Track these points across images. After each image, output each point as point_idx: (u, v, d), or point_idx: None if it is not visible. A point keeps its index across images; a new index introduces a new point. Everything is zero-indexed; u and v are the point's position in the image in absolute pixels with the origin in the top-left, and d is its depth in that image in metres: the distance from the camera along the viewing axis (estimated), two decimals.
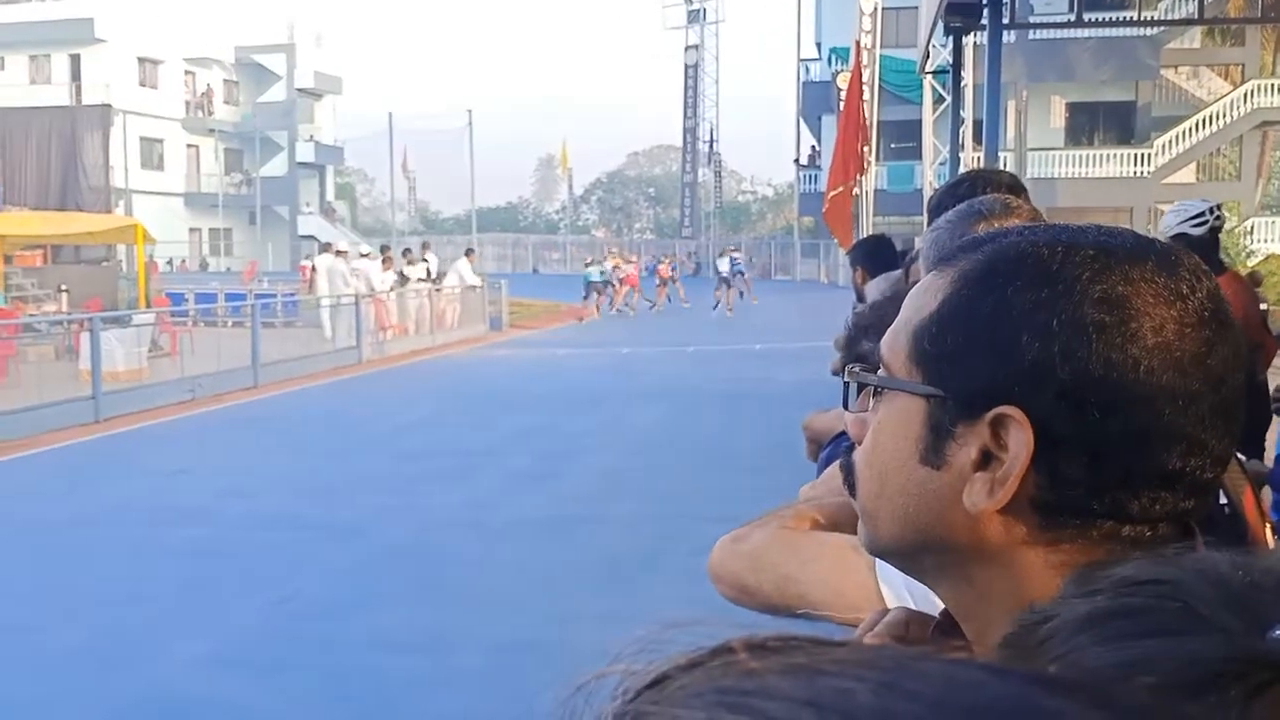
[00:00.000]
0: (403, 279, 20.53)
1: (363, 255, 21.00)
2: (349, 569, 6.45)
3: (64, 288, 17.53)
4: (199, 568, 6.47)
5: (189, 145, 49.25)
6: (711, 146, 54.38)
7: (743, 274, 29.41)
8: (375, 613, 5.64)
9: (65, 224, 18.37)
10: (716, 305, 27.29)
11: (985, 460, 0.68)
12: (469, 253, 23.74)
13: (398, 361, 17.52)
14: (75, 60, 45.32)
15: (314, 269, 21.62)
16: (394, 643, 5.20)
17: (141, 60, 46.60)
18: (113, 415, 11.65)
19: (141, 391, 12.58)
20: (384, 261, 20.23)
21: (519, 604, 5.78)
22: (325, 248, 22.40)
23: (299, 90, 50.86)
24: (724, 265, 27.69)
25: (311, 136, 52.05)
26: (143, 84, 46.66)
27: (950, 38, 11.52)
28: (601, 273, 27.46)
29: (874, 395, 0.75)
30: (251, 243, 47.17)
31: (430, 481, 8.76)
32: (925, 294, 0.72)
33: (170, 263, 39.24)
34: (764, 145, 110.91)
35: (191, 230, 47.80)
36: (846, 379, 0.80)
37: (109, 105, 26.58)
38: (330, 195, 55.55)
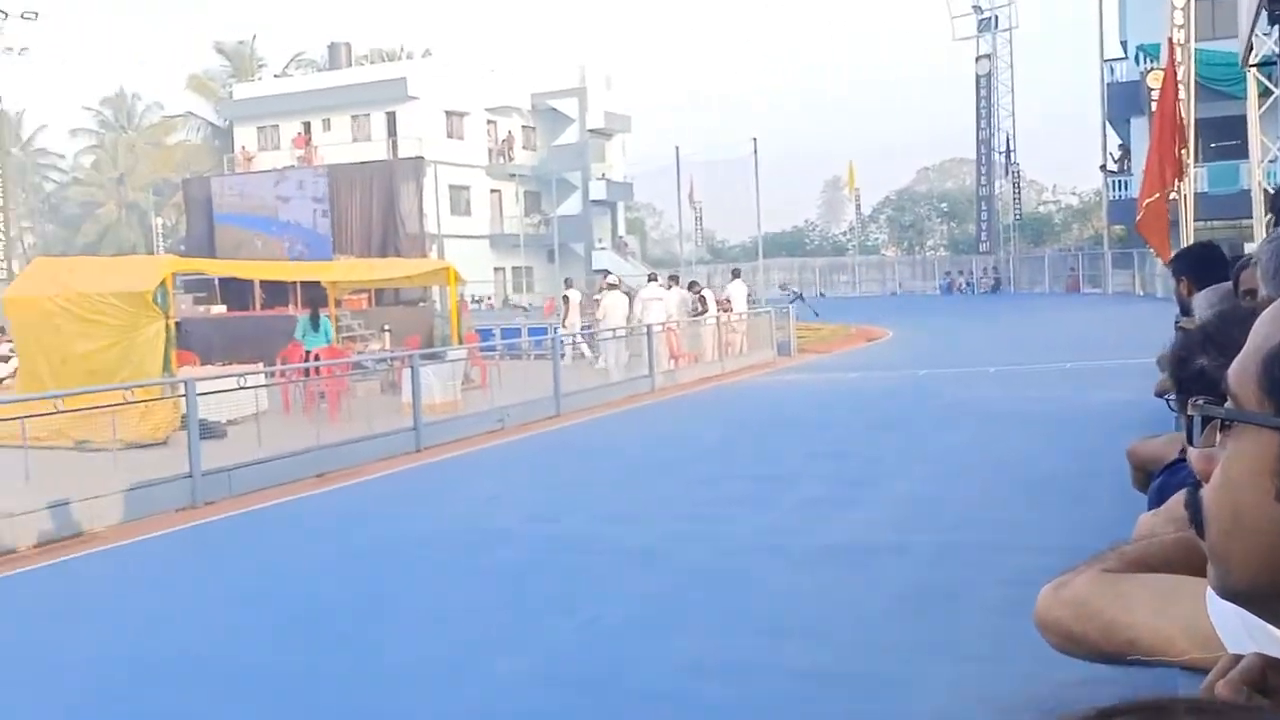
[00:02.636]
0: (701, 303, 20.88)
1: (653, 283, 21.46)
2: (652, 593, 6.54)
3: (386, 327, 19.03)
4: (512, 588, 6.76)
5: (492, 190, 52.48)
6: (1009, 157, 52.12)
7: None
8: (679, 636, 5.69)
9: (387, 269, 19.91)
10: None
11: None
12: (736, 274, 23.77)
13: (688, 389, 17.79)
14: (391, 118, 49.42)
15: (565, 300, 22.41)
16: (699, 667, 5.22)
17: (449, 113, 50.20)
18: (431, 444, 12.47)
19: (456, 422, 13.39)
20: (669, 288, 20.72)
21: (820, 633, 5.66)
22: (582, 279, 23.01)
23: (591, 131, 53.10)
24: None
25: (603, 175, 54.19)
26: (450, 135, 50.21)
27: (1276, 27, 10.52)
28: None
29: (1221, 429, 0.70)
30: (550, 279, 49.50)
31: (726, 507, 8.78)
32: (1277, 320, 0.67)
33: (477, 300, 41.79)
34: (1066, 153, 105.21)
35: (496, 269, 50.80)
36: (1191, 412, 0.75)
37: (422, 157, 28.76)
38: (621, 230, 57.54)
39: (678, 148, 36.11)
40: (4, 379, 20.78)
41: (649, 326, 18.20)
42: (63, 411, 10.00)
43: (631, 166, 57.55)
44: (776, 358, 22.25)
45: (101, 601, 7.21)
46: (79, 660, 5.80)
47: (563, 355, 19.68)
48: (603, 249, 52.50)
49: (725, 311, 21.29)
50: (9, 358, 20.34)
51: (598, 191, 53.04)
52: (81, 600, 7.26)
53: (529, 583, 6.86)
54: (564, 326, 21.94)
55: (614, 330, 18.05)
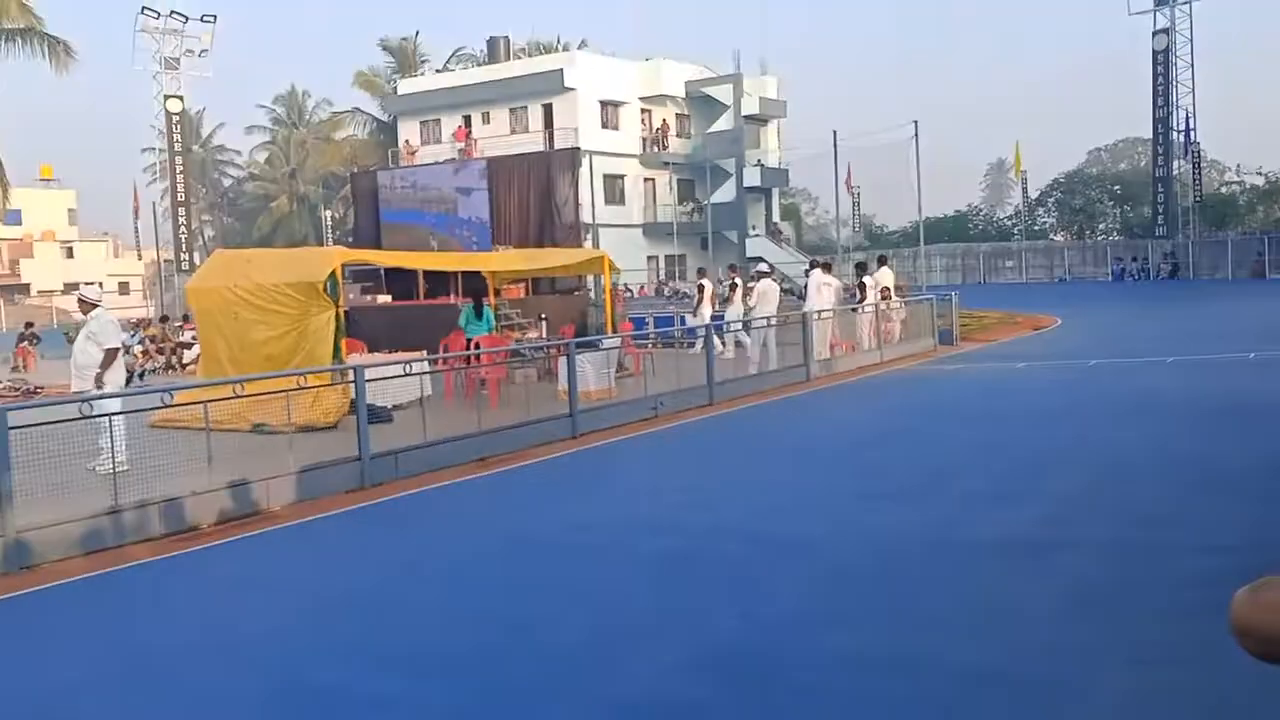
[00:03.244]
0: (860, 290, 20.49)
1: (816, 268, 21.09)
2: (811, 585, 6.46)
3: (543, 316, 19.35)
4: (670, 576, 6.78)
5: (645, 179, 52.78)
6: (1188, 135, 49.41)
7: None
8: (838, 630, 5.60)
9: (543, 259, 20.23)
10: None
11: None
12: (883, 261, 23.19)
13: (845, 378, 17.51)
14: (548, 109, 50.21)
15: (700, 289, 22.25)
16: (860, 661, 5.13)
17: (604, 104, 50.69)
18: (587, 431, 12.62)
19: (611, 410, 13.52)
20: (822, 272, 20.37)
21: (984, 631, 5.49)
22: (733, 269, 22.74)
23: (746, 118, 52.77)
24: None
25: (758, 161, 53.81)
26: (605, 126, 50.70)
27: None
28: None
29: None
30: (703, 267, 49.53)
31: (884, 500, 8.61)
32: None
33: (629, 289, 42.12)
34: (1252, 131, 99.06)
35: (649, 258, 51.08)
36: None
37: (577, 148, 29.12)
38: (776, 216, 57.04)
39: (835, 132, 35.53)
40: (189, 364, 22.04)
41: (805, 315, 17.98)
42: (241, 396, 10.50)
43: (787, 152, 56.98)
44: (937, 346, 21.69)
45: (278, 577, 7.56)
46: (257, 633, 6.09)
47: (691, 346, 19.65)
48: (757, 236, 52.15)
49: (885, 299, 20.85)
50: (192, 344, 21.55)
51: (752, 178, 52.70)
52: (260, 575, 7.63)
53: (684, 571, 6.87)
54: (694, 316, 21.90)
55: (767, 319, 17.87)
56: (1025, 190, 63.34)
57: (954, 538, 7.28)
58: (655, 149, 52.77)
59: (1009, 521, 7.64)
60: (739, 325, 19.34)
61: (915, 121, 32.67)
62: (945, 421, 12.83)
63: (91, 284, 12.77)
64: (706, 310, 20.83)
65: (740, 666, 5.16)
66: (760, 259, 34.96)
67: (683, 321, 22.04)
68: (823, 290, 19.42)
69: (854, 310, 20.03)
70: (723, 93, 52.86)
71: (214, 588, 7.27)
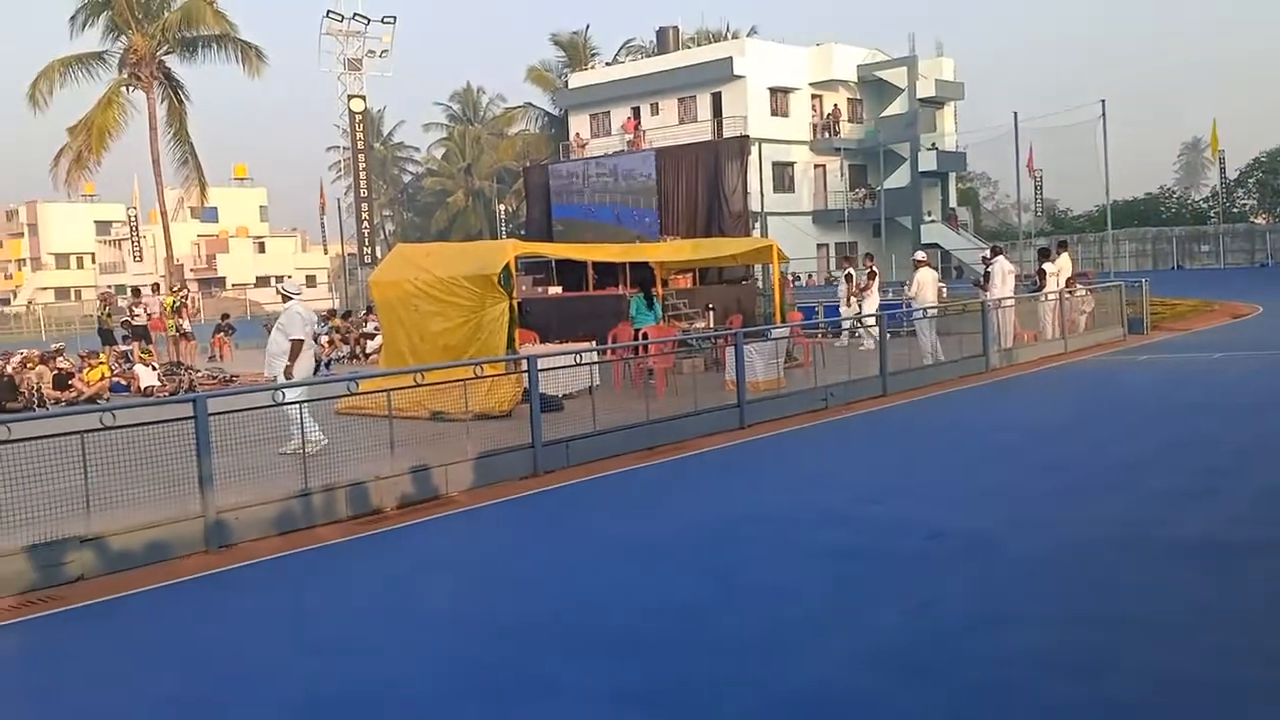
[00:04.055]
0: (1040, 277, 19.69)
1: (999, 254, 20.34)
2: (988, 581, 6.24)
3: (710, 305, 19.29)
4: (841, 569, 6.67)
5: (815, 165, 52.09)
6: None
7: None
8: (1017, 629, 5.39)
9: (711, 248, 20.15)
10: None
11: None
12: (1063, 245, 22.09)
13: (1027, 369, 16.85)
14: (716, 98, 50.11)
15: (849, 279, 21.65)
16: (1040, 662, 4.92)
17: (773, 91, 50.26)
18: (755, 422, 12.53)
19: (779, 400, 13.38)
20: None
21: (1175, 634, 5.19)
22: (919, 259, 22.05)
23: (920, 101, 51.46)
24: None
25: (934, 145, 52.38)
26: (774, 113, 50.28)
27: None
28: None
29: None
30: (876, 255, 48.65)
31: (1069, 496, 8.23)
32: None
33: (797, 277, 41.60)
34: None
35: (819, 246, 50.40)
36: None
37: (746, 136, 28.90)
38: (952, 201, 55.44)
39: (1015, 113, 34.26)
40: (372, 354, 22.96)
41: (984, 303, 17.38)
42: (421, 385, 10.85)
43: (964, 135, 55.33)
44: (1127, 335, 20.65)
45: (457, 560, 7.79)
46: (437, 613, 6.29)
47: (838, 337, 19.18)
48: (932, 222, 50.83)
49: (1071, 287, 19.95)
50: (375, 334, 22.44)
51: (927, 162, 51.35)
52: (439, 558, 7.88)
53: (856, 565, 6.73)
54: (846, 306, 21.40)
55: (924, 310, 17.34)
56: (1223, 170, 59.57)
57: (1145, 536, 6.91)
58: (826, 135, 52.00)
59: (1206, 520, 7.20)
60: (910, 316, 18.82)
61: (1103, 101, 31.23)
62: (1134, 414, 12.20)
63: (291, 278, 13.44)
64: (875, 299, 20.39)
65: (912, 663, 5.01)
66: (936, 245, 34.02)
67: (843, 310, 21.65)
68: (1008, 278, 18.79)
69: (1037, 298, 19.24)
70: (896, 76, 51.67)
71: (397, 568, 7.53)
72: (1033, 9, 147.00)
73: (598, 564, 7.28)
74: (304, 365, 11.44)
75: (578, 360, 13.21)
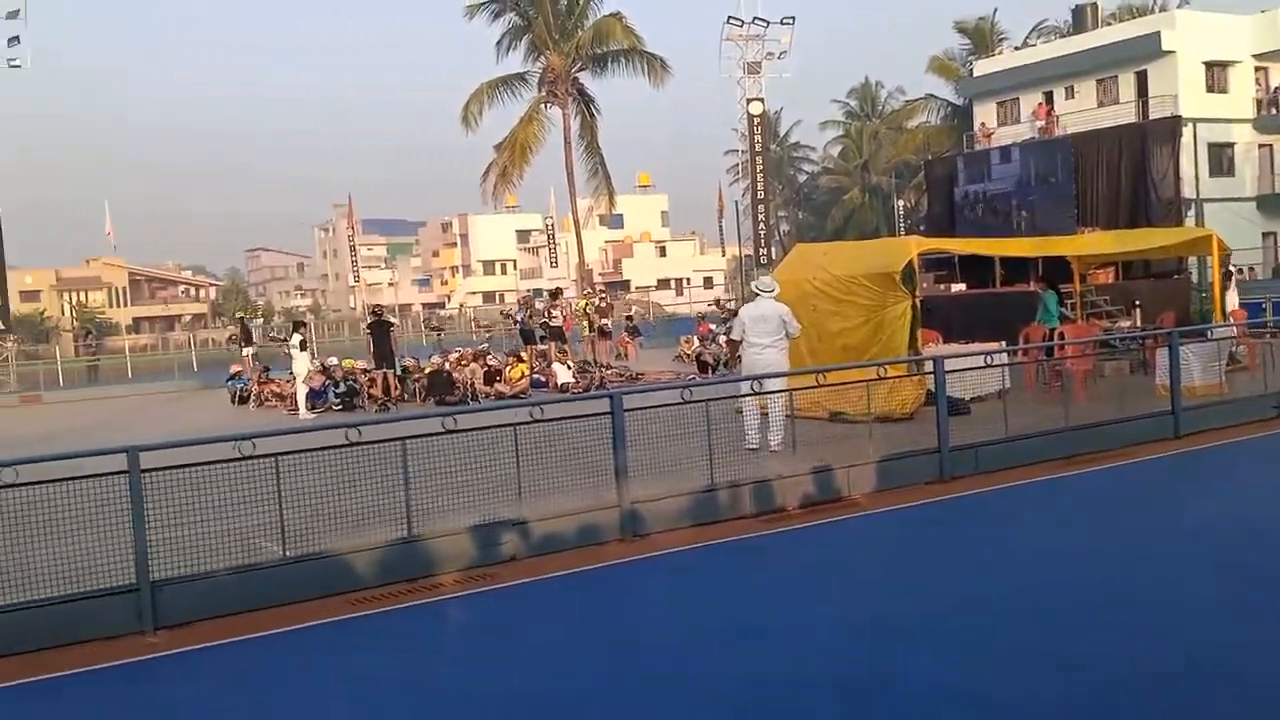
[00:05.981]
0: None
1: None
2: None
3: (1137, 303, 17.73)
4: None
5: (1260, 145, 46.55)
6: None
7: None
8: None
9: (1137, 240, 18.58)
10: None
11: None
12: None
13: None
14: (1141, 77, 46.10)
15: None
16: None
17: (1209, 65, 45.49)
18: (1191, 431, 11.33)
19: (1220, 408, 12.05)
20: None
21: None
22: None
23: None
24: None
25: None
26: (1210, 89, 45.49)
27: None
28: None
29: None
30: None
31: None
32: None
33: (1240, 270, 37.37)
34: None
35: (1264, 235, 45.04)
36: None
37: (1178, 116, 26.41)
38: None
39: None
40: None
41: None
42: (823, 386, 10.77)
43: None
44: None
45: (857, 563, 7.65)
46: (830, 615, 6.20)
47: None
48: None
49: None
50: None
51: None
52: (839, 559, 7.78)
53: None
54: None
55: None
56: None
57: None
58: (1273, 111, 46.34)
59: None
60: None
61: None
62: None
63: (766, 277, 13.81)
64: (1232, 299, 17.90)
65: None
66: None
67: None
68: None
69: None
70: None
71: (797, 569, 7.50)
72: None
73: (996, 579, 6.82)
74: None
75: (988, 361, 12.57)
